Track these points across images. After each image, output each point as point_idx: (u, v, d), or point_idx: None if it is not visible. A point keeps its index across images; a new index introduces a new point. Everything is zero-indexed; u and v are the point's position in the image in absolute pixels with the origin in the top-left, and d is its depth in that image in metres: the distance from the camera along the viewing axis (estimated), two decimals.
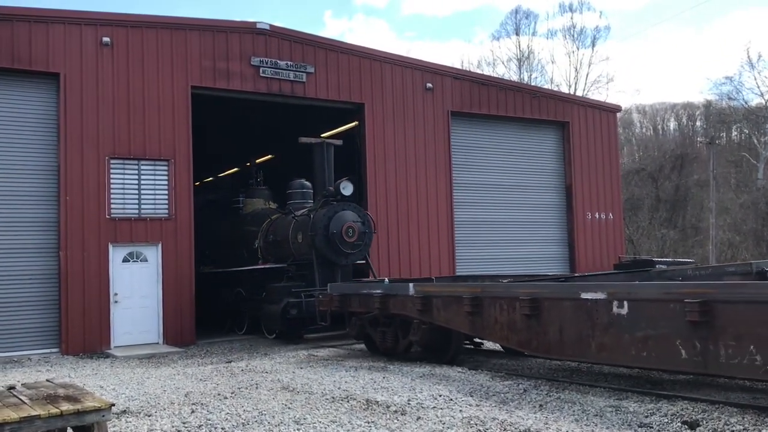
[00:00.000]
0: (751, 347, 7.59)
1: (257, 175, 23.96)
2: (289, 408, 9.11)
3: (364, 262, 17.85)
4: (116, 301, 16.88)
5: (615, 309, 9.06)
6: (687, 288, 8.69)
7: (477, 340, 13.91)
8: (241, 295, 19.60)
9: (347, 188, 16.81)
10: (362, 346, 14.93)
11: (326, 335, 16.88)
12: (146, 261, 17.40)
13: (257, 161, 29.17)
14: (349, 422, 8.17)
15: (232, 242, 21.16)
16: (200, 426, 8.26)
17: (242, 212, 22.23)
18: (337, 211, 16.67)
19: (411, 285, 12.66)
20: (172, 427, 8.28)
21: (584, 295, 9.43)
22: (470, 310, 11.19)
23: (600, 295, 9.25)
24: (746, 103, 56.04)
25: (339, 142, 18.68)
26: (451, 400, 9.36)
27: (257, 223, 20.27)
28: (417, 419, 8.26)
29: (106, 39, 17.14)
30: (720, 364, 7.96)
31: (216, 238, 21.82)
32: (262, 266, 18.84)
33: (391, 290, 13.11)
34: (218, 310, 20.75)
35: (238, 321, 19.96)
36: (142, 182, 17.52)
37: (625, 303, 8.94)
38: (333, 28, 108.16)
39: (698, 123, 65.99)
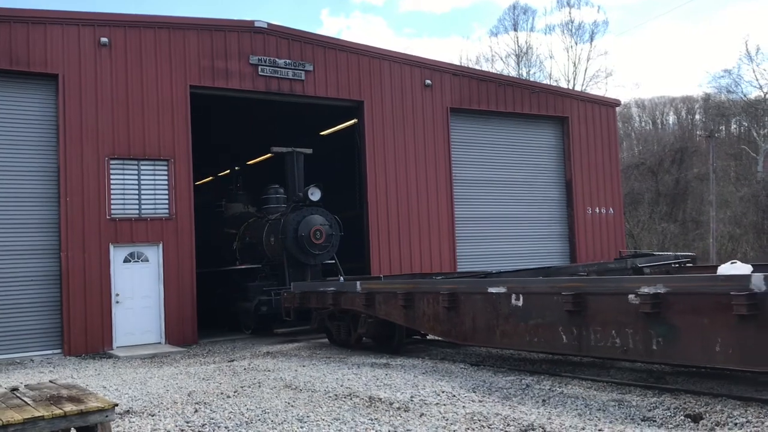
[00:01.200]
0: (613, 332, 9.21)
1: (237, 181, 25.58)
2: (292, 406, 9.12)
3: (333, 261, 18.83)
4: (118, 302, 16.89)
5: (513, 301, 10.62)
6: (564, 282, 10.32)
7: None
8: (223, 294, 20.35)
9: (315, 194, 18.06)
10: (326, 339, 16.17)
11: (295, 330, 17.74)
12: (147, 261, 17.40)
13: (249, 162, 29.46)
14: (352, 419, 8.18)
15: (215, 244, 21.89)
16: (204, 425, 8.26)
17: (224, 215, 23.13)
18: (306, 215, 17.90)
19: (358, 283, 14.11)
20: (176, 426, 8.29)
21: (490, 290, 11.04)
22: (404, 304, 12.64)
23: (502, 290, 10.82)
24: (745, 95, 56.01)
25: (309, 151, 19.66)
26: (454, 396, 9.37)
27: (236, 225, 21.36)
28: (420, 416, 8.27)
29: (104, 39, 17.12)
30: (591, 346, 9.53)
31: (203, 240, 22.24)
32: (239, 267, 19.96)
33: (342, 288, 14.53)
34: (207, 309, 21.27)
35: (222, 319, 20.74)
36: (142, 182, 17.51)
37: (521, 296, 10.49)
38: (330, 26, 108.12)
39: (697, 116, 65.94)
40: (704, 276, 10.38)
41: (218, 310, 20.91)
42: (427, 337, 14.80)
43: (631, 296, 8.99)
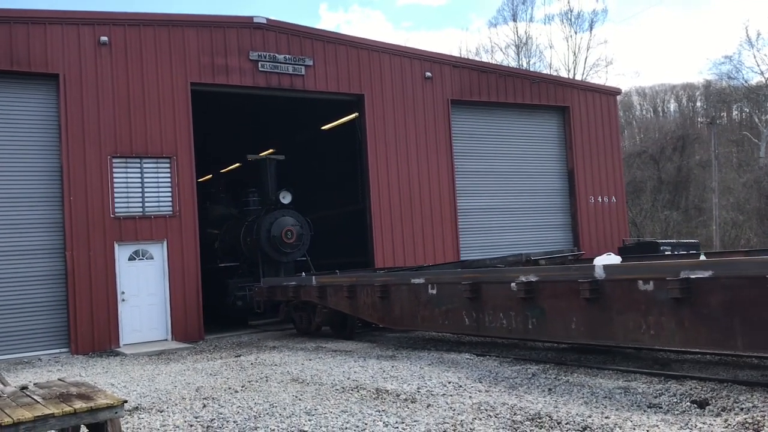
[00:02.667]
0: (500, 314, 11.01)
1: (219, 184, 27.15)
2: (299, 399, 9.17)
3: (305, 259, 20.27)
4: (123, 300, 16.96)
5: (429, 290, 12.35)
6: (465, 273, 12.09)
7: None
8: (206, 291, 20.72)
9: (286, 197, 19.60)
10: (293, 328, 17.79)
11: (267, 321, 19.74)
12: (152, 258, 17.45)
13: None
14: (359, 412, 8.22)
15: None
16: (212, 420, 8.32)
17: (208, 217, 23.79)
18: (278, 217, 19.31)
19: (314, 277, 15.90)
20: (185, 421, 8.34)
21: (413, 281, 12.78)
22: (348, 295, 14.38)
23: (421, 281, 12.56)
24: (746, 81, 55.85)
25: (281, 157, 20.95)
26: (461, 386, 9.42)
27: (218, 226, 22.61)
28: (427, 406, 8.31)
29: (103, 38, 17.13)
30: (486, 327, 11.31)
31: None
32: (220, 265, 21.19)
33: (301, 282, 16.26)
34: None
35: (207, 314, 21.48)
36: (145, 180, 17.55)
37: (435, 286, 12.21)
38: (329, 20, 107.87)
39: (698, 103, 65.80)
40: (562, 266, 12.03)
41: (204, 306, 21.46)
42: (380, 325, 15.35)
43: (512, 284, 10.68)
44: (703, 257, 11.27)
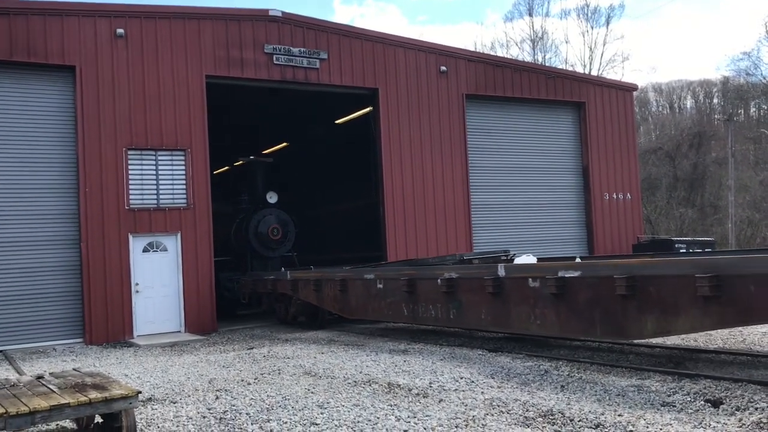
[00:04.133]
0: (430, 306, 12.70)
1: (214, 181, 27.75)
2: (312, 392, 9.20)
3: (291, 254, 21.67)
4: (137, 291, 17.07)
5: (378, 285, 14.01)
6: (404, 270, 13.83)
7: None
8: None
9: (273, 197, 21.11)
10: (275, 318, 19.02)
11: (252, 312, 21.09)
12: (166, 250, 17.55)
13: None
14: (372, 405, 8.24)
15: None
16: (225, 412, 8.36)
17: None
18: (265, 216, 20.82)
19: (288, 272, 17.60)
20: (198, 413, 8.40)
21: (365, 276, 14.42)
22: (314, 289, 16.04)
23: (372, 276, 14.24)
24: (765, 78, 55.20)
25: (269, 160, 22.76)
26: (473, 382, 9.41)
27: (213, 223, 23.09)
28: (439, 401, 8.31)
29: (120, 30, 17.20)
30: (419, 317, 13.07)
31: None
32: (214, 259, 21.69)
33: (278, 276, 17.82)
34: None
35: None
36: (160, 172, 17.63)
37: (382, 281, 13.90)
38: (343, 14, 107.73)
39: (715, 100, 65.13)
40: (474, 265, 13.47)
41: None
42: (342, 315, 16.24)
43: (438, 280, 12.37)
44: (578, 260, 12.33)
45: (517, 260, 13.27)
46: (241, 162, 23.01)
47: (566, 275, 10.08)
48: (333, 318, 17.05)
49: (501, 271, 11.24)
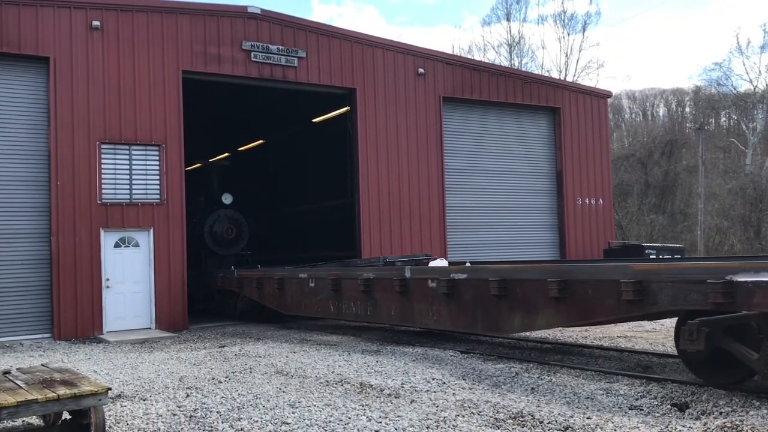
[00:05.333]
0: (351, 303, 14.02)
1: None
2: (283, 392, 9.19)
3: (245, 253, 22.72)
4: (108, 287, 16.87)
5: (310, 284, 15.23)
6: (332, 271, 15.10)
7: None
8: None
9: (227, 198, 22.14)
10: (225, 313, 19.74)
11: (207, 306, 21.22)
12: (138, 246, 17.37)
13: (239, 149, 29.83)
14: (343, 405, 8.25)
15: None
16: (195, 410, 8.31)
17: None
18: (220, 216, 21.90)
19: (235, 270, 18.97)
20: (168, 410, 8.33)
21: (300, 276, 15.67)
22: (257, 286, 17.10)
23: (305, 276, 15.51)
24: (735, 88, 56.29)
25: (226, 163, 23.94)
26: (444, 383, 9.47)
27: None
28: (411, 402, 8.35)
29: (96, 23, 16.99)
30: (343, 313, 14.38)
31: None
32: None
33: (226, 274, 19.11)
34: None
35: None
36: (134, 167, 17.45)
37: (314, 280, 15.12)
38: (321, 13, 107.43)
39: (687, 109, 66.20)
40: (388, 267, 14.94)
41: None
42: (281, 311, 17.13)
43: (358, 280, 13.61)
44: (468, 264, 14.34)
45: (431, 263, 14.38)
46: (198, 165, 24.33)
47: (456, 277, 11.55)
48: (282, 315, 17.70)
49: (407, 273, 12.73)
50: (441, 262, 14.56)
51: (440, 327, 12.59)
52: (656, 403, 8.00)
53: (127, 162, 17.36)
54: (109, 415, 8.04)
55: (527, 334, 13.20)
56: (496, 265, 12.53)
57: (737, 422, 6.82)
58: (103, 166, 17.00)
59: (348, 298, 14.09)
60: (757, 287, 7.44)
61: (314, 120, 25.09)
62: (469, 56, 52.90)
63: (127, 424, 7.77)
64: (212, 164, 23.31)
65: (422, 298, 12.29)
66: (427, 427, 7.21)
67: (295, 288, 15.75)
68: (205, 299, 20.94)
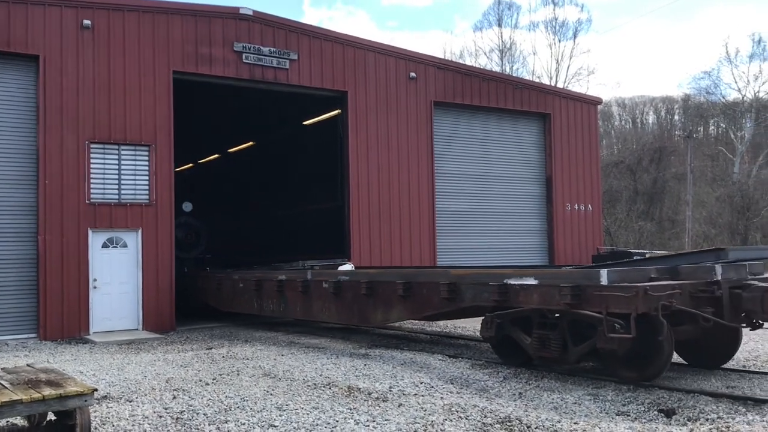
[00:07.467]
0: (270, 301, 16.00)
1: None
2: (271, 394, 9.15)
3: (204, 256, 24.44)
4: (95, 287, 16.76)
5: (240, 284, 17.22)
6: (255, 273, 17.21)
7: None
8: None
9: (187, 206, 23.52)
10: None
11: None
12: (126, 247, 17.27)
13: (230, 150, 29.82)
14: (331, 409, 8.23)
15: None
16: (182, 411, 8.26)
17: None
18: (181, 222, 22.25)
19: (185, 269, 21.39)
20: (154, 412, 8.28)
21: (233, 277, 17.80)
22: (201, 286, 19.38)
23: (236, 277, 17.61)
24: (724, 97, 56.75)
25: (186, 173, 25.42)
26: (432, 387, 9.46)
27: None
28: (399, 406, 8.34)
29: (86, 22, 16.90)
30: (263, 309, 16.37)
31: None
32: None
33: (182, 275, 19.91)
34: None
35: None
36: (123, 167, 17.36)
37: (243, 281, 17.08)
38: (312, 16, 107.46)
39: (676, 117, 66.69)
40: (296, 269, 17.54)
41: None
42: (220, 308, 18.85)
43: (274, 281, 15.62)
44: (351, 267, 16.47)
45: (340, 268, 15.99)
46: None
47: (341, 279, 13.89)
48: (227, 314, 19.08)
49: (309, 276, 14.83)
50: (348, 267, 16.33)
51: (331, 320, 14.85)
52: (643, 408, 8.03)
53: (117, 162, 17.27)
54: (95, 416, 7.97)
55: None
56: (366, 270, 15.08)
57: (723, 428, 6.85)
58: (92, 165, 16.89)
59: (267, 296, 16.07)
60: (521, 288, 10.07)
61: (305, 122, 25.06)
62: (461, 61, 53.04)
63: (113, 426, 7.72)
64: (175, 174, 24.08)
65: (318, 297, 14.42)
66: (415, 431, 7.20)
67: (230, 288, 17.76)
68: None
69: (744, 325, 9.71)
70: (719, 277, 9.44)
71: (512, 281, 10.21)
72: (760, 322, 9.77)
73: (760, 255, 12.03)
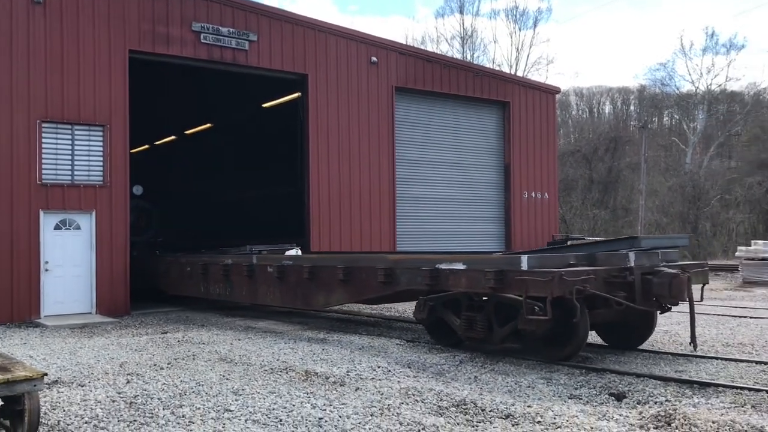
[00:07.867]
0: (216, 285, 16.37)
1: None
2: (227, 379, 9.09)
3: (158, 239, 24.64)
4: (47, 270, 16.37)
5: (187, 267, 17.52)
6: (202, 257, 17.47)
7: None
8: None
9: (138, 190, 23.75)
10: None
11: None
12: (79, 229, 16.89)
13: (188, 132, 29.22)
14: (288, 393, 8.22)
15: None
16: (136, 396, 8.16)
17: None
18: (132, 206, 21.42)
19: (134, 254, 19.82)
20: (107, 397, 8.16)
21: (181, 260, 18.01)
22: (152, 268, 19.41)
23: (184, 261, 17.79)
24: (678, 89, 57.96)
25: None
26: (389, 371, 9.52)
27: None
28: (356, 390, 8.37)
29: None
30: (210, 293, 16.79)
31: None
32: None
33: (133, 258, 19.50)
34: None
35: None
36: (76, 148, 16.93)
37: (190, 264, 17.39)
38: None
39: (632, 107, 67.91)
40: (240, 254, 17.11)
41: None
42: (168, 292, 19.04)
43: (220, 265, 16.02)
44: (298, 252, 16.50)
45: (287, 253, 16.00)
46: None
47: (285, 264, 14.28)
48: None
49: (254, 260, 15.22)
50: (295, 252, 16.50)
51: (275, 304, 15.56)
52: (594, 392, 8.22)
53: (70, 142, 16.84)
54: (45, 401, 7.82)
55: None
56: (310, 255, 15.67)
57: (670, 411, 7.06)
58: (43, 145, 16.43)
59: (214, 280, 16.38)
60: (451, 273, 10.65)
61: (264, 105, 24.80)
62: (423, 47, 52.99)
63: (64, 411, 7.58)
64: (130, 156, 24.36)
65: (263, 281, 14.86)
66: (372, 415, 7.24)
67: (178, 271, 18.03)
68: None
69: (655, 308, 10.48)
70: (632, 264, 9.98)
71: (443, 266, 10.79)
72: (669, 305, 10.44)
73: (672, 243, 13.01)
